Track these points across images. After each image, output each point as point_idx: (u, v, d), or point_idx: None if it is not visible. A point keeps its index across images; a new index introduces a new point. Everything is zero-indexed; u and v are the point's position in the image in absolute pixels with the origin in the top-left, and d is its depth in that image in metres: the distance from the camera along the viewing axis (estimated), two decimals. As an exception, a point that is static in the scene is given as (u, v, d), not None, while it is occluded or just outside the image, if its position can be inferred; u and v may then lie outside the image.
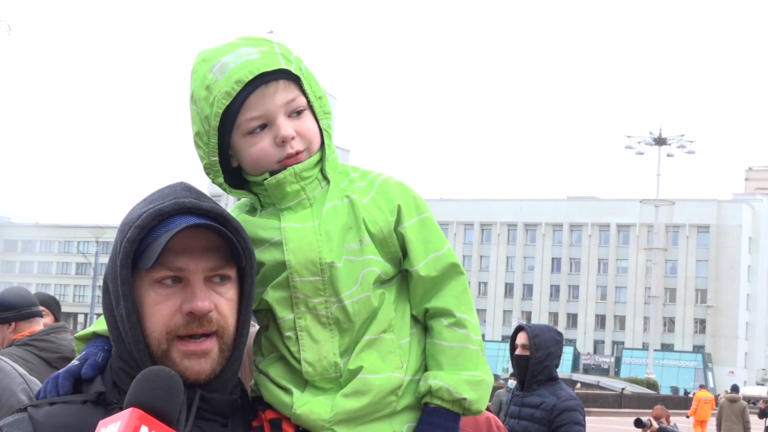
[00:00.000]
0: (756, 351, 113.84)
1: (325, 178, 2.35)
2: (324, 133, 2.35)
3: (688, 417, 28.98)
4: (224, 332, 2.10)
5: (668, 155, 63.87)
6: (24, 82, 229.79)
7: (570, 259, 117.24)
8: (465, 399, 2.28)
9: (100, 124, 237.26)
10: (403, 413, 2.31)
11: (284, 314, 2.29)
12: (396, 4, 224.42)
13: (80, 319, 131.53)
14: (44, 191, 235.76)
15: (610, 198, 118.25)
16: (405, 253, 2.33)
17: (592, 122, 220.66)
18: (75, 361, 2.22)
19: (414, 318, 2.37)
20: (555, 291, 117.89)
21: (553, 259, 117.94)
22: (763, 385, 75.18)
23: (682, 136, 64.03)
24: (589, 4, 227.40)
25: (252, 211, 2.40)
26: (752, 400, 41.26)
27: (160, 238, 2.05)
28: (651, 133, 63.60)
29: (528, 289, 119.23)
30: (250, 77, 2.24)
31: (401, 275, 2.37)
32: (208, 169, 2.34)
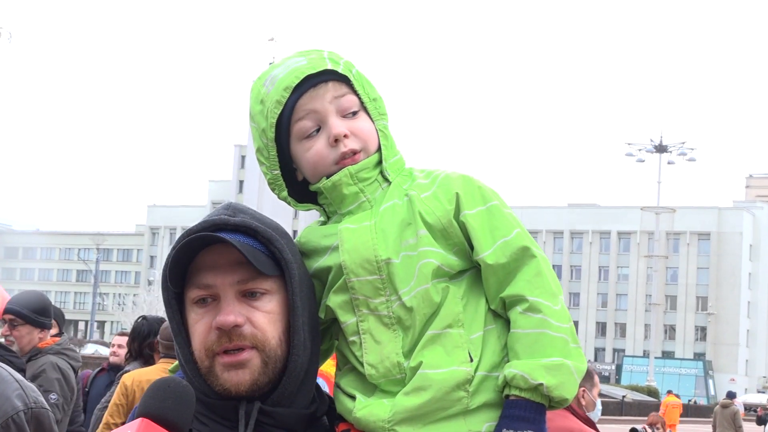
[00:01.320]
0: (757, 358, 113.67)
1: (386, 179, 2.33)
2: (380, 134, 2.34)
3: None
4: (264, 345, 2.10)
5: (669, 163, 63.86)
6: (25, 89, 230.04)
7: (571, 266, 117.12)
8: (542, 384, 2.13)
9: (101, 132, 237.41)
10: (481, 411, 2.19)
11: (346, 318, 2.26)
12: (398, 12, 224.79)
13: (81, 326, 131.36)
14: (45, 198, 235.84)
15: (610, 205, 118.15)
16: (470, 242, 2.26)
17: (592, 130, 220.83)
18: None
19: (494, 314, 2.27)
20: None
21: (553, 266, 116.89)
22: (763, 392, 75.06)
23: (683, 143, 64.06)
24: (590, 12, 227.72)
25: (323, 224, 2.39)
26: (753, 408, 41.26)
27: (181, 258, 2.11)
28: (652, 141, 63.63)
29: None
30: (297, 81, 2.26)
31: (475, 270, 2.29)
32: (272, 185, 2.36)
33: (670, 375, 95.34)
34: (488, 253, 2.24)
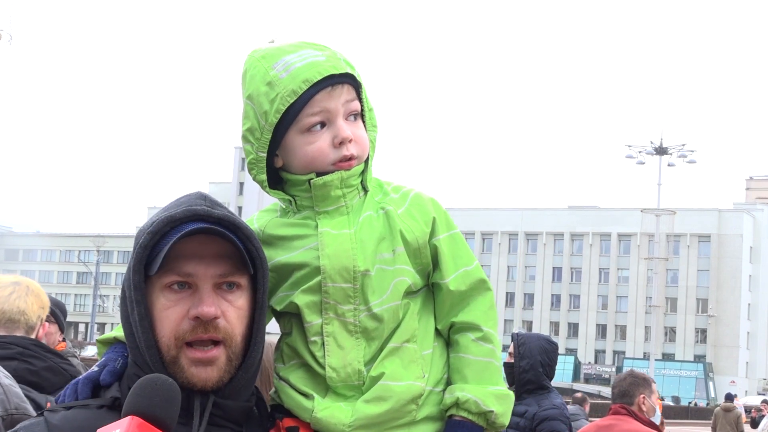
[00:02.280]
0: (757, 360, 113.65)
1: (364, 188, 2.37)
2: (370, 144, 2.39)
3: None
4: (231, 341, 2.11)
5: (669, 165, 63.77)
6: (25, 91, 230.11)
7: (571, 268, 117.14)
8: (492, 412, 2.28)
9: (101, 134, 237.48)
10: (424, 423, 2.31)
11: (312, 319, 2.30)
12: (399, 14, 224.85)
13: (81, 328, 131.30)
14: (45, 200, 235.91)
15: (611, 207, 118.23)
16: (435, 265, 2.35)
17: (593, 132, 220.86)
18: (94, 367, 2.25)
19: (437, 332, 2.38)
20: (556, 300, 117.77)
21: (554, 268, 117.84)
22: (763, 394, 74.98)
23: (683, 145, 63.96)
24: (590, 14, 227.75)
25: (284, 214, 2.41)
26: (750, 409, 41.25)
27: (168, 244, 2.08)
28: (652, 143, 63.55)
29: (529, 299, 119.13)
30: (319, 77, 2.27)
31: (427, 288, 2.39)
32: (252, 165, 2.35)
33: (671, 377, 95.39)
34: (451, 279, 2.35)
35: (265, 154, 2.33)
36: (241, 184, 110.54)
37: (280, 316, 2.38)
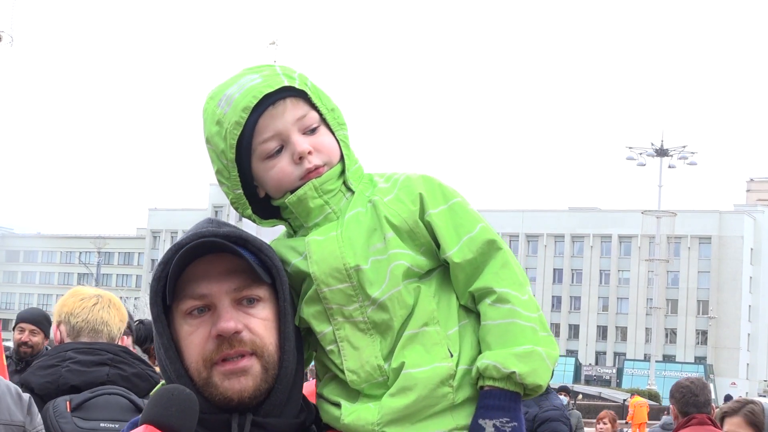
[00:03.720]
0: (758, 362, 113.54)
1: (349, 189, 2.33)
2: (341, 144, 2.34)
3: (626, 422, 29.66)
4: (263, 351, 2.10)
5: (670, 166, 63.85)
6: (26, 93, 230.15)
7: (572, 270, 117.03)
8: (515, 373, 2.16)
9: (101, 135, 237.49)
10: (467, 405, 2.22)
11: (322, 328, 2.26)
12: (398, 15, 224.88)
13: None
14: (46, 202, 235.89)
15: (611, 209, 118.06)
16: (437, 242, 2.28)
17: (593, 133, 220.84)
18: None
19: (466, 310, 2.30)
20: (556, 302, 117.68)
21: (554, 270, 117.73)
22: (764, 396, 75.05)
23: (684, 147, 64.03)
24: (591, 15, 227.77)
25: (290, 236, 2.39)
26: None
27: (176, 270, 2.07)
28: (652, 145, 63.62)
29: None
30: (255, 102, 2.24)
31: (443, 268, 2.31)
32: (235, 204, 2.34)
33: (671, 379, 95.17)
34: (454, 250, 2.26)
35: (240, 191, 2.32)
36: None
37: (309, 336, 2.33)
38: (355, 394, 2.25)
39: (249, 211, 2.36)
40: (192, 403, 1.95)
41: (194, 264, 2.10)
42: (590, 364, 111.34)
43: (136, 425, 2.15)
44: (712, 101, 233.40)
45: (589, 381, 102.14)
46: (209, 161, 2.36)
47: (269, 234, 2.46)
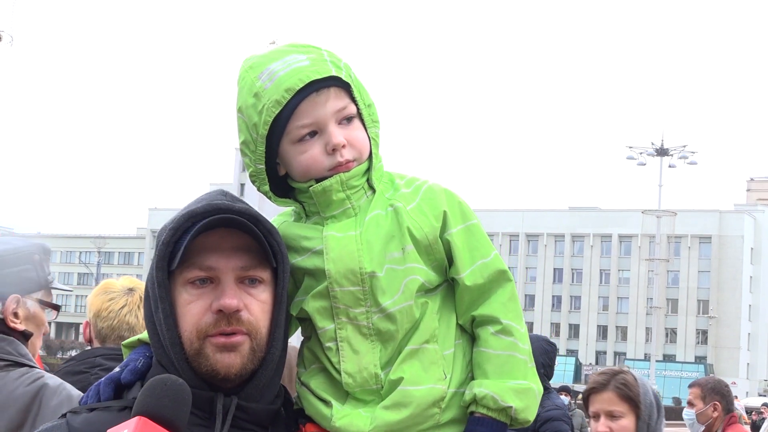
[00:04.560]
0: (758, 362, 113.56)
1: (371, 187, 2.32)
2: (372, 141, 2.32)
3: None
4: (256, 333, 2.10)
5: (670, 166, 63.76)
6: (26, 93, 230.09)
7: (572, 269, 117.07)
8: (511, 407, 2.21)
9: (102, 135, 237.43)
10: (448, 426, 2.26)
11: (324, 324, 2.26)
12: (398, 15, 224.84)
13: (82, 329, 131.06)
14: (46, 201, 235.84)
15: (612, 208, 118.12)
16: (450, 260, 2.28)
17: (593, 133, 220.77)
18: (117, 368, 2.24)
19: (461, 328, 2.32)
20: (557, 301, 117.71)
21: (554, 269, 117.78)
22: (764, 395, 74.89)
23: (684, 146, 63.95)
24: (591, 15, 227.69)
25: (297, 219, 2.38)
26: (752, 411, 41.29)
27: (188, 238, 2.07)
28: (653, 144, 63.54)
29: (530, 300, 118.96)
30: (301, 85, 2.21)
31: (447, 284, 2.32)
32: (254, 177, 2.33)
33: (672, 378, 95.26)
34: (467, 273, 2.27)
35: (263, 166, 2.30)
36: (242, 185, 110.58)
37: (301, 320, 2.33)
38: (344, 393, 2.25)
39: (266, 187, 2.34)
40: (185, 393, 1.93)
41: (205, 235, 2.09)
42: (590, 364, 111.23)
43: (99, 388, 2.16)
44: (712, 101, 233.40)
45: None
46: (236, 130, 2.33)
47: (272, 210, 2.42)
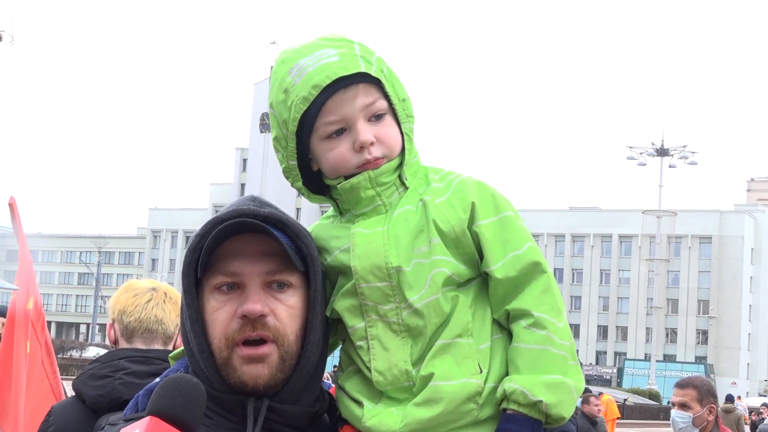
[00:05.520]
0: (758, 362, 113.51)
1: (403, 183, 2.28)
2: (405, 137, 2.29)
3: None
4: (283, 339, 2.08)
5: (670, 166, 63.82)
6: (27, 92, 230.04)
7: (572, 269, 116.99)
8: (541, 402, 2.12)
9: (102, 135, 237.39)
10: (488, 423, 2.18)
11: (354, 323, 2.23)
12: (400, 16, 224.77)
13: (82, 329, 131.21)
14: (47, 201, 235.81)
15: (612, 209, 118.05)
16: (481, 253, 2.22)
17: (594, 133, 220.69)
18: (157, 379, 2.22)
19: (499, 324, 2.25)
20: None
21: (555, 269, 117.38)
22: (765, 396, 74.86)
23: (684, 147, 64.01)
24: (592, 16, 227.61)
25: (333, 220, 2.35)
26: (752, 412, 41.29)
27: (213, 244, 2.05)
28: (653, 144, 63.59)
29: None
30: (328, 82, 2.18)
31: (482, 279, 2.26)
32: (287, 173, 2.31)
33: (672, 378, 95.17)
34: (498, 266, 2.21)
35: (295, 162, 2.27)
36: (243, 185, 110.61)
37: (338, 323, 2.29)
38: (377, 393, 2.21)
39: (300, 184, 2.32)
40: (199, 392, 1.89)
41: (230, 240, 2.07)
42: (591, 364, 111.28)
43: (137, 399, 2.16)
44: (712, 101, 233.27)
45: (589, 381, 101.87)
46: (269, 127, 2.34)
47: (307, 215, 2.39)
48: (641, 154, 64.14)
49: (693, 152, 64.20)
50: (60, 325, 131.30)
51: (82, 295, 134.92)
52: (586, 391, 17.28)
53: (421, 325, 2.18)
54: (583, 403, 14.86)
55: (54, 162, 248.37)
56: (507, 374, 2.20)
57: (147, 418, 1.85)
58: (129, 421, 2.07)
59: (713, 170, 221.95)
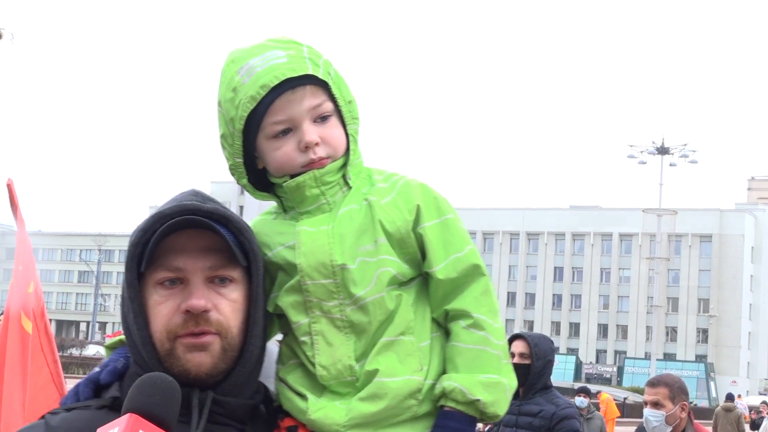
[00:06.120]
0: (758, 361, 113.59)
1: (347, 183, 2.33)
2: (350, 138, 2.34)
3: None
4: (226, 333, 2.10)
5: (671, 165, 63.73)
6: (27, 90, 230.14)
7: (572, 268, 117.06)
8: (479, 401, 2.22)
9: (103, 133, 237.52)
10: (425, 419, 2.26)
11: (298, 318, 2.28)
12: (399, 15, 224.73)
13: (82, 327, 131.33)
14: (47, 199, 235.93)
15: (612, 207, 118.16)
16: (424, 254, 2.29)
17: (594, 132, 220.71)
18: (96, 368, 2.25)
19: (437, 322, 2.33)
20: (557, 300, 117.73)
21: (555, 268, 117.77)
22: (765, 394, 74.84)
23: (685, 145, 63.94)
24: (592, 14, 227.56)
25: (277, 216, 2.40)
26: (751, 410, 41.34)
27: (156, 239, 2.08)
28: (653, 143, 63.52)
29: (530, 299, 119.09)
30: (276, 82, 2.23)
31: (422, 278, 2.33)
32: (233, 170, 2.35)
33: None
34: (441, 267, 2.28)
35: (241, 160, 2.32)
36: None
37: (278, 317, 2.35)
38: (320, 387, 2.27)
39: (245, 180, 2.36)
40: (175, 390, 1.93)
41: (173, 235, 2.09)
42: (591, 363, 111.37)
43: (78, 388, 2.18)
44: (713, 100, 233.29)
45: (589, 379, 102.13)
46: (216, 125, 2.36)
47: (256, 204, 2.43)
48: (641, 152, 64.09)
49: (693, 151, 64.17)
50: (60, 323, 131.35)
51: (82, 293, 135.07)
52: (583, 390, 17.29)
53: (366, 321, 2.25)
54: None
55: (54, 160, 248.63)
56: (444, 372, 2.27)
57: (126, 416, 1.86)
58: (71, 410, 2.11)
59: (714, 169, 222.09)
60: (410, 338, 2.26)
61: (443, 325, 2.33)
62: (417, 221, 2.29)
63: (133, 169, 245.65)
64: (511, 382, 2.29)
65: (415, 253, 2.29)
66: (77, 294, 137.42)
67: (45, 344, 4.75)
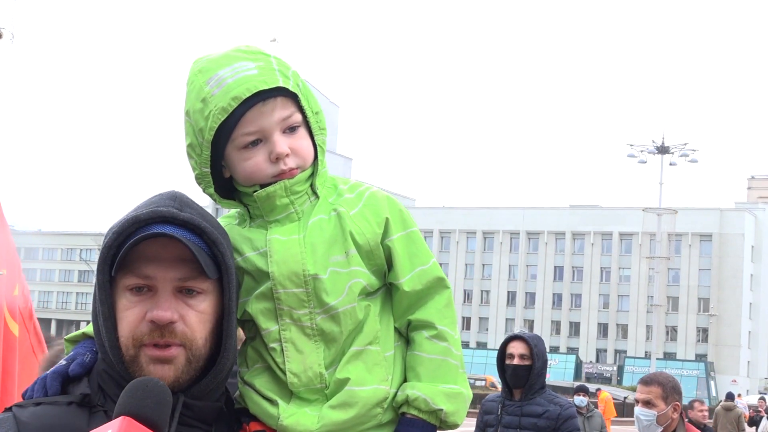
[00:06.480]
0: (759, 360, 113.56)
1: (315, 193, 2.36)
2: (318, 148, 2.37)
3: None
4: (191, 344, 2.09)
5: (671, 164, 63.69)
6: (28, 90, 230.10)
7: (572, 267, 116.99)
8: (441, 410, 2.28)
9: (103, 132, 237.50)
10: (389, 426, 2.33)
11: (268, 325, 2.31)
12: (399, 15, 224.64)
13: (82, 326, 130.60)
14: (47, 199, 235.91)
15: (612, 206, 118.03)
16: (390, 266, 2.35)
17: (594, 131, 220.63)
18: (62, 361, 2.23)
19: (398, 332, 2.39)
20: (557, 299, 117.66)
21: (555, 267, 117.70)
22: (765, 394, 74.87)
23: (685, 144, 63.90)
24: (592, 14, 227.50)
25: (241, 222, 2.42)
26: (750, 408, 41.34)
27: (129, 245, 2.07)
28: (653, 142, 63.51)
29: (530, 298, 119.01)
30: (248, 95, 2.25)
31: (385, 288, 2.39)
32: (199, 180, 2.37)
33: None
34: (406, 279, 2.34)
35: (208, 169, 2.33)
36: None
37: (242, 322, 2.37)
38: (288, 393, 2.30)
39: (211, 190, 2.38)
40: (166, 394, 1.95)
41: (146, 242, 2.08)
42: (591, 362, 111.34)
43: (45, 381, 2.16)
44: (713, 99, 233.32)
45: (589, 378, 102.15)
46: (183, 134, 2.36)
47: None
48: (641, 151, 64.06)
49: (693, 150, 64.08)
50: (60, 323, 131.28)
51: (83, 293, 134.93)
52: (581, 389, 17.21)
53: (337, 331, 2.29)
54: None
55: (54, 159, 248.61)
56: (405, 380, 2.35)
57: (119, 419, 1.88)
58: (39, 404, 2.09)
59: (714, 168, 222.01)
60: (377, 348, 2.32)
61: (403, 335, 2.39)
62: (385, 234, 2.34)
63: (133, 168, 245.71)
64: (469, 392, 2.37)
65: (382, 264, 2.35)
66: (77, 293, 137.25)
67: (36, 345, 4.74)
